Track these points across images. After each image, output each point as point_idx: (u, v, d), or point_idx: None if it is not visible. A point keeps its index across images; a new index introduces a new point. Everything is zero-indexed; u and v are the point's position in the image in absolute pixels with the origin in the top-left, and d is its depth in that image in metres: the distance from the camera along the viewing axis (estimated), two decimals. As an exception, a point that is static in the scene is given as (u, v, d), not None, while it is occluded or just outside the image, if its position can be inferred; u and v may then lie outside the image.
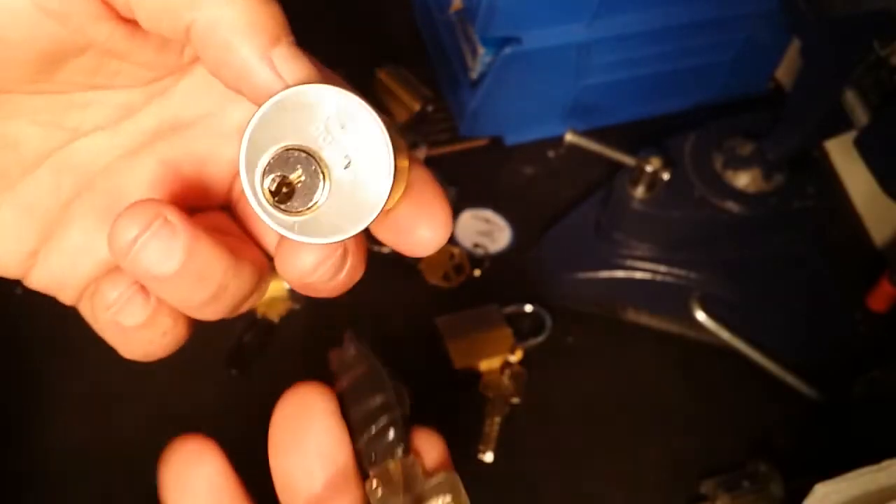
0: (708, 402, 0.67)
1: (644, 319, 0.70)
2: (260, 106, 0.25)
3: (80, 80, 0.27)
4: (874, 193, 0.58)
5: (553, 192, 0.75)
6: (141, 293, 0.28)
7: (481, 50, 0.72)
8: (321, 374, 0.67)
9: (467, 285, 0.70)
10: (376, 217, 0.26)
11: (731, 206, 0.65)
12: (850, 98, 0.55)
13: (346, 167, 0.26)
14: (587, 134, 0.64)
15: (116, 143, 0.29)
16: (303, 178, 0.26)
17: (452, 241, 0.71)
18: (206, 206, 0.30)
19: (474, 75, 0.74)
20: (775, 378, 0.67)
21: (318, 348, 0.69)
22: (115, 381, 0.64)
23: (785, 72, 0.81)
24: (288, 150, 0.25)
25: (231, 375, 0.65)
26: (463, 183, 0.74)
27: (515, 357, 0.66)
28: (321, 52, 0.82)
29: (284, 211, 0.26)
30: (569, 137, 0.64)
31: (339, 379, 0.30)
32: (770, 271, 0.68)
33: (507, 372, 0.66)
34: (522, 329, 0.69)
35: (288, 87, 0.25)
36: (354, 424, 0.30)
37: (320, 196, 0.26)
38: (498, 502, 0.62)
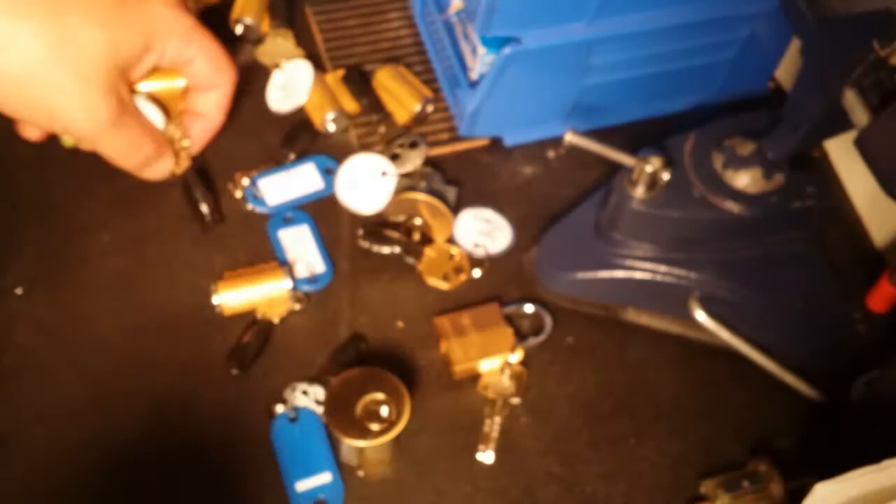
0: (708, 402, 0.67)
1: (644, 319, 0.70)
2: None
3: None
4: (874, 193, 0.58)
5: (553, 192, 0.75)
6: None
7: (481, 50, 0.72)
8: (321, 374, 0.68)
9: (467, 285, 0.70)
10: None
11: (731, 206, 0.65)
12: (850, 98, 0.55)
13: None
14: (587, 134, 0.64)
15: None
16: None
17: (452, 241, 0.72)
18: None
19: (474, 75, 0.74)
20: (775, 378, 0.67)
21: (318, 348, 0.70)
22: (115, 382, 0.64)
23: (785, 72, 0.81)
24: None
25: (231, 375, 0.65)
26: (463, 183, 0.74)
27: (515, 357, 0.66)
28: (319, 51, 0.82)
29: None
30: (569, 137, 0.64)
31: None
32: (770, 271, 0.68)
33: (507, 372, 0.66)
34: (522, 329, 0.69)
35: None
36: None
37: None
38: (498, 502, 0.62)
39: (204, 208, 0.70)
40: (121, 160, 0.62)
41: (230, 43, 0.79)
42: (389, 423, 0.59)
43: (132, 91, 0.62)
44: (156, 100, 0.64)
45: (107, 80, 0.57)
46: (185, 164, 0.67)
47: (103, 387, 0.63)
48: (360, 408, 0.59)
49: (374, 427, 0.58)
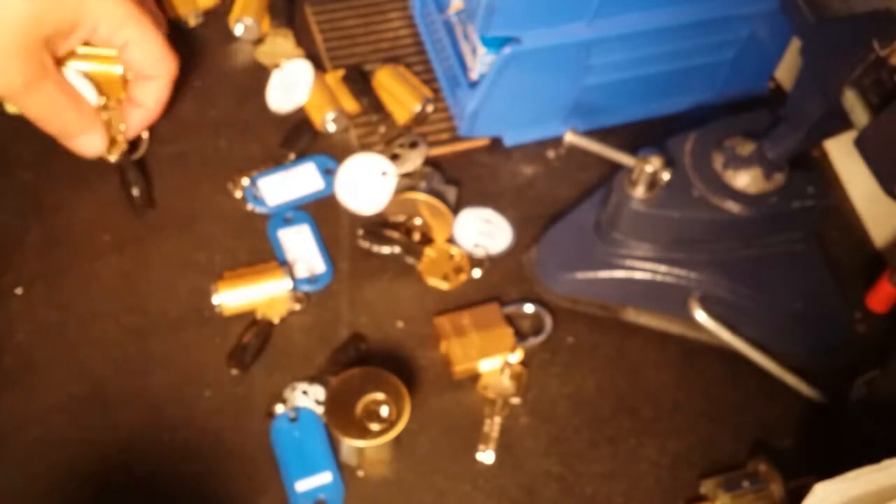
0: (708, 402, 0.67)
1: (644, 319, 0.70)
2: None
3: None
4: (874, 193, 0.58)
5: (553, 192, 0.75)
6: None
7: (481, 50, 0.72)
8: (321, 374, 0.68)
9: (467, 285, 0.70)
10: None
11: (731, 206, 0.65)
12: (850, 98, 0.55)
13: None
14: (587, 134, 0.64)
15: None
16: None
17: (452, 241, 0.72)
18: None
19: (474, 75, 0.74)
20: (775, 378, 0.67)
21: (318, 348, 0.70)
22: (114, 382, 0.64)
23: (785, 72, 0.81)
24: None
25: (231, 375, 0.65)
26: (463, 183, 0.74)
27: (515, 357, 0.66)
28: (319, 51, 0.82)
29: None
30: (569, 137, 0.64)
31: None
32: (770, 271, 0.68)
33: (507, 372, 0.66)
34: (522, 329, 0.69)
35: None
36: None
37: None
38: (498, 502, 0.62)
39: (135, 191, 0.70)
40: (41, 123, 0.66)
41: (230, 42, 0.79)
42: (389, 423, 0.59)
43: (60, 62, 0.65)
44: (91, 80, 0.67)
45: (25, 48, 0.60)
46: (121, 148, 0.70)
47: (103, 387, 0.63)
48: (360, 408, 0.59)
49: (374, 427, 0.58)
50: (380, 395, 0.59)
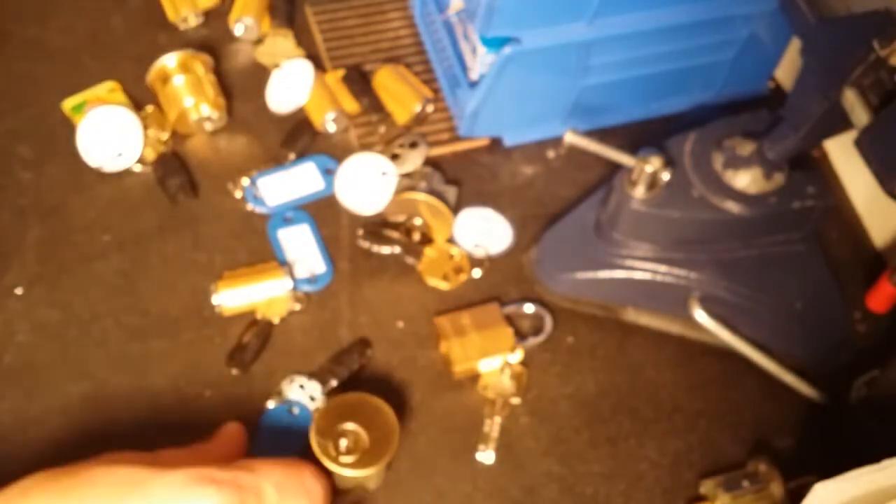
0: (708, 403, 0.67)
1: (644, 319, 0.70)
2: None
3: None
4: (874, 193, 0.58)
5: (553, 192, 0.75)
6: None
7: (481, 50, 0.72)
8: (321, 372, 0.68)
9: (467, 285, 0.70)
10: None
11: (731, 206, 0.65)
12: (850, 98, 0.55)
13: None
14: (587, 134, 0.64)
15: None
16: None
17: (452, 241, 0.72)
18: None
19: (474, 75, 0.74)
20: (775, 378, 0.67)
21: (317, 348, 0.70)
22: (115, 383, 0.64)
23: (785, 72, 0.81)
24: None
25: (231, 375, 0.65)
26: (463, 183, 0.74)
27: (515, 357, 0.66)
28: (319, 51, 0.82)
29: None
30: (568, 137, 0.64)
31: None
32: (770, 271, 0.68)
33: (507, 372, 0.66)
34: (522, 329, 0.69)
35: None
36: None
37: None
38: (498, 502, 0.62)
39: (176, 181, 0.72)
40: None
41: (230, 42, 0.79)
42: (365, 455, 0.57)
43: None
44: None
45: None
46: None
47: (103, 387, 0.63)
48: (342, 433, 0.57)
49: (347, 459, 0.56)
50: (361, 431, 0.57)
